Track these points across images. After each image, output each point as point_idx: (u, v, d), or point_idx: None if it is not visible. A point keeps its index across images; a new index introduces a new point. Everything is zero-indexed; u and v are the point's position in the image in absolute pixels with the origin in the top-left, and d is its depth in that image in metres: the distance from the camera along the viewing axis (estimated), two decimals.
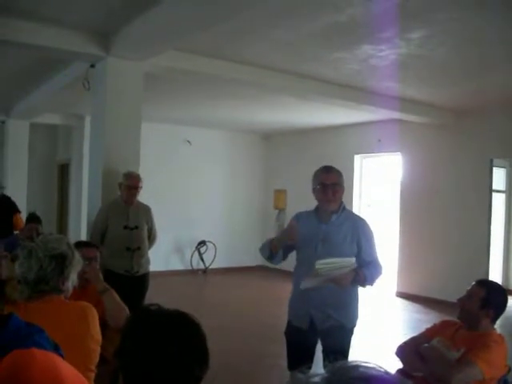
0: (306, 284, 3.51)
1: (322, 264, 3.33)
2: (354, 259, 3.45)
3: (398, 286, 10.21)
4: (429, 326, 3.43)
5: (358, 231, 3.67)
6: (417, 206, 9.94)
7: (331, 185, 3.64)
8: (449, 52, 5.88)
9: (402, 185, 10.29)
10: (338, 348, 3.64)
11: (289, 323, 3.85)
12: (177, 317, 1.51)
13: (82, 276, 2.83)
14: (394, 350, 3.31)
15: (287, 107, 9.36)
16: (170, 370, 1.40)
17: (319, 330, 3.66)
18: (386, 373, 0.71)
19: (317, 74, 7.01)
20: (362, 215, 10.49)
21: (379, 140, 10.43)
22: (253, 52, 6.14)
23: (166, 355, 1.40)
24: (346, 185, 3.79)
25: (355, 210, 10.70)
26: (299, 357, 3.74)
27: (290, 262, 3.95)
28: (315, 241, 3.64)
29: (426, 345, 3.12)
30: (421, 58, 6.05)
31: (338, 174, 3.73)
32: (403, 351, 3.24)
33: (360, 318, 3.84)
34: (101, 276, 3.34)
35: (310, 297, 3.63)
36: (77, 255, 2.66)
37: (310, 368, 3.69)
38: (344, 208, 3.75)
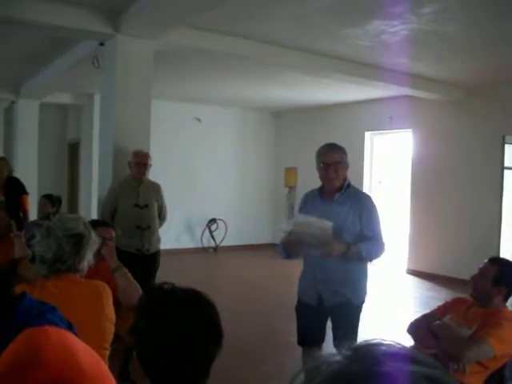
0: (283, 226, 3.62)
1: (300, 221, 3.49)
2: (330, 223, 3.40)
3: (409, 263, 10.21)
4: (440, 303, 3.43)
5: (361, 208, 3.65)
6: (428, 183, 9.89)
7: (333, 163, 3.63)
8: (461, 27, 5.80)
9: (413, 161, 10.22)
10: (347, 324, 3.68)
11: (298, 299, 3.89)
12: (191, 295, 1.51)
13: (97, 254, 2.84)
14: (406, 327, 3.32)
15: (298, 84, 9.30)
16: (184, 347, 1.41)
17: (327, 307, 3.68)
18: (409, 350, 0.70)
19: (327, 50, 6.94)
20: (372, 192, 10.56)
21: (390, 117, 10.35)
22: (263, 29, 6.09)
23: (181, 333, 1.41)
24: (356, 162, 3.79)
25: (365, 187, 10.70)
26: (308, 332, 3.79)
27: None
28: (320, 217, 3.63)
29: (438, 322, 3.12)
30: (432, 33, 5.97)
31: (341, 151, 3.71)
32: (415, 328, 3.25)
33: (370, 295, 3.85)
34: (115, 254, 3.36)
35: (318, 273, 3.67)
36: (93, 235, 2.67)
37: (319, 344, 3.75)
38: (349, 185, 3.73)
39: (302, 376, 0.72)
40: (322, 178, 3.71)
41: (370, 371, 0.66)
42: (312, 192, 3.88)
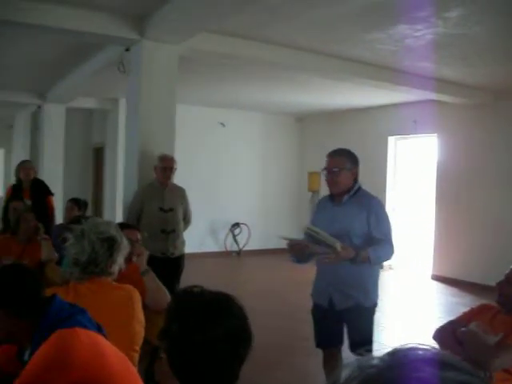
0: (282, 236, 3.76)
1: (309, 229, 3.54)
2: (338, 243, 3.43)
3: (434, 269, 10.11)
4: (465, 309, 3.40)
5: (369, 210, 3.66)
6: (454, 188, 9.79)
7: (330, 170, 3.72)
8: (487, 31, 5.75)
9: (438, 166, 10.13)
10: (361, 328, 3.70)
11: (313, 302, 3.93)
12: (221, 298, 1.53)
13: (127, 258, 2.88)
14: (431, 333, 3.29)
15: (321, 89, 9.29)
16: (214, 350, 1.42)
17: (339, 310, 3.70)
18: (445, 355, 0.70)
19: (351, 54, 6.93)
20: (395, 196, 10.49)
21: (414, 121, 10.27)
22: (286, 33, 6.10)
23: (211, 336, 1.42)
24: (379, 165, 3.82)
25: (388, 191, 10.64)
26: (325, 335, 3.82)
27: None
28: (327, 221, 3.71)
29: (464, 329, 3.09)
30: (458, 37, 5.93)
31: (341, 158, 3.76)
32: (441, 335, 3.22)
33: (395, 300, 3.84)
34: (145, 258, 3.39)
35: (329, 276, 3.71)
36: (124, 240, 2.70)
37: (337, 346, 3.77)
38: (358, 189, 3.76)
39: (339, 380, 0.72)
40: (326, 182, 3.80)
41: (407, 377, 0.67)
42: (324, 197, 3.99)
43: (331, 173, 3.71)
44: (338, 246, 3.43)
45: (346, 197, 3.72)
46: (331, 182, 3.73)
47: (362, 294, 3.70)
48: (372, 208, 3.69)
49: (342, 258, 3.47)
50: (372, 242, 3.61)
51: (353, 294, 3.67)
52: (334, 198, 3.82)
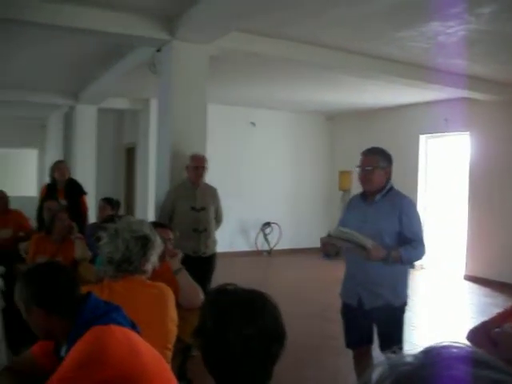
0: (325, 239, 3.66)
1: (340, 231, 3.51)
2: (370, 242, 3.44)
3: (467, 268, 9.98)
4: (498, 310, 3.35)
5: (401, 209, 3.66)
6: (486, 187, 9.64)
7: (364, 168, 3.72)
8: None
9: (470, 164, 9.98)
10: (391, 327, 3.70)
11: (342, 302, 3.92)
12: (255, 296, 1.54)
13: (160, 256, 2.91)
14: (463, 334, 3.26)
15: (351, 87, 9.24)
16: (248, 348, 1.43)
17: (368, 309, 3.69)
18: (480, 353, 0.70)
19: (381, 52, 6.88)
20: (426, 194, 10.38)
21: (446, 119, 10.15)
22: (316, 32, 6.09)
23: (246, 334, 1.43)
24: (411, 164, 3.80)
25: (420, 188, 10.53)
26: (354, 335, 3.82)
27: None
28: (358, 222, 3.70)
29: (498, 329, 3.05)
30: (491, 33, 5.84)
31: (375, 156, 3.75)
32: (474, 335, 3.17)
33: (427, 300, 3.82)
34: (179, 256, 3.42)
35: (358, 275, 3.71)
36: (158, 238, 2.73)
37: (367, 345, 3.76)
38: (391, 188, 3.76)
39: (372, 378, 0.73)
40: (359, 180, 3.79)
41: (440, 375, 0.67)
42: (356, 195, 3.99)
43: (364, 171, 3.71)
44: (370, 244, 3.43)
45: (378, 196, 3.72)
46: (364, 180, 3.73)
47: (392, 293, 3.68)
48: (404, 208, 3.68)
49: (373, 258, 3.47)
50: (403, 242, 3.60)
51: (382, 293, 3.66)
52: (366, 196, 3.82)
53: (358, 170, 3.77)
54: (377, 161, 3.71)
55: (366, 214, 3.71)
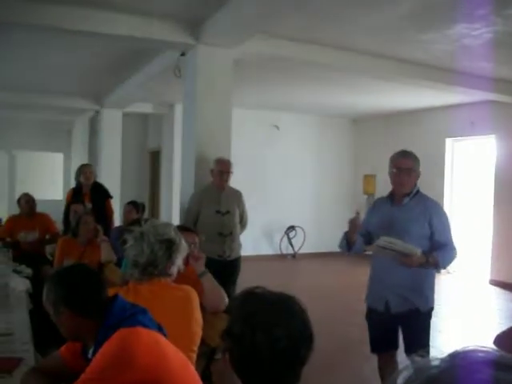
0: (373, 248, 3.62)
1: (384, 240, 3.45)
2: (419, 251, 3.44)
3: (492, 273, 9.85)
4: None
5: (431, 213, 3.66)
6: None
7: (406, 169, 3.67)
8: None
9: (496, 168, 9.86)
10: (418, 332, 3.67)
11: (368, 306, 3.90)
12: (283, 299, 1.54)
13: (184, 259, 2.92)
14: (491, 339, 3.22)
15: (376, 90, 9.20)
16: (277, 351, 1.43)
17: (394, 314, 3.67)
18: (507, 357, 0.70)
19: (406, 55, 6.85)
20: (452, 198, 10.27)
21: (472, 122, 10.04)
22: (340, 35, 6.08)
23: (274, 337, 1.43)
24: (437, 168, 3.78)
25: (446, 191, 10.43)
26: (380, 339, 3.81)
27: None
28: (387, 223, 3.69)
29: None
30: None
31: (414, 159, 3.74)
32: (502, 340, 3.13)
33: (453, 305, 3.80)
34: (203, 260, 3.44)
35: (385, 279, 3.69)
36: (183, 241, 2.74)
37: (393, 350, 3.74)
38: (418, 192, 3.75)
39: (398, 382, 0.73)
40: (393, 182, 3.75)
41: (467, 378, 0.66)
42: (382, 198, 3.98)
43: (403, 173, 3.67)
44: (419, 252, 3.43)
45: (406, 198, 3.71)
46: (402, 182, 3.69)
47: (419, 298, 3.67)
48: (434, 212, 3.69)
49: (415, 264, 3.47)
50: (435, 246, 3.60)
51: (410, 297, 3.64)
52: (393, 199, 3.80)
53: (394, 171, 3.71)
54: (413, 163, 3.71)
55: (394, 216, 3.69)
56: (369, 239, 3.86)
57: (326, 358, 5.35)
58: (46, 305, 2.08)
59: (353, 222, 3.71)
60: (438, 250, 3.56)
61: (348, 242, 3.80)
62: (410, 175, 3.66)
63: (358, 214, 3.75)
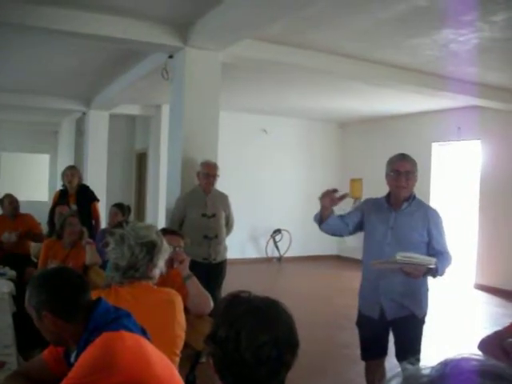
0: (376, 264, 3.52)
1: (402, 256, 3.33)
2: (433, 260, 3.41)
3: (477, 277, 9.91)
4: (511, 319, 3.31)
5: (429, 220, 3.63)
6: (498, 195, 9.58)
7: (405, 172, 3.60)
8: None
9: (482, 172, 9.94)
10: (411, 338, 3.65)
11: (359, 313, 3.86)
12: (269, 304, 1.52)
13: (168, 262, 2.90)
14: (475, 344, 3.22)
15: (364, 95, 9.24)
16: (261, 356, 1.42)
17: (389, 320, 3.65)
18: (498, 366, 0.69)
19: (394, 60, 6.87)
20: (438, 202, 10.32)
21: (458, 127, 10.10)
22: (328, 40, 6.09)
23: (259, 342, 1.42)
24: (423, 172, 3.73)
25: (433, 196, 10.48)
26: (372, 347, 3.77)
27: None
28: (385, 228, 3.64)
29: (511, 340, 3.01)
30: (504, 41, 5.82)
31: (413, 162, 3.68)
32: (486, 345, 3.14)
33: (438, 310, 3.79)
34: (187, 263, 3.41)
35: (380, 285, 3.64)
36: (165, 243, 2.72)
37: (382, 357, 3.72)
38: (415, 197, 3.71)
39: None
40: (391, 185, 3.67)
41: None
42: (377, 199, 3.86)
43: (404, 175, 3.60)
44: (434, 262, 3.41)
45: (405, 204, 3.65)
46: (402, 185, 3.60)
47: (414, 304, 3.65)
48: (432, 219, 3.65)
49: (420, 274, 3.45)
50: (433, 254, 3.57)
51: (405, 304, 3.61)
52: (390, 202, 3.72)
53: (392, 174, 3.63)
54: (412, 166, 3.65)
55: (393, 220, 3.63)
56: (356, 229, 3.85)
57: (311, 362, 5.34)
58: (28, 308, 2.05)
59: (327, 194, 3.66)
60: (437, 258, 3.51)
61: (321, 216, 3.75)
62: (408, 178, 3.59)
63: (336, 189, 3.69)
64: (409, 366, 0.72)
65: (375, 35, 5.88)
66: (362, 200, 4.38)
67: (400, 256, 3.32)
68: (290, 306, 1.57)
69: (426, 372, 0.70)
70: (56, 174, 13.10)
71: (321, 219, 3.80)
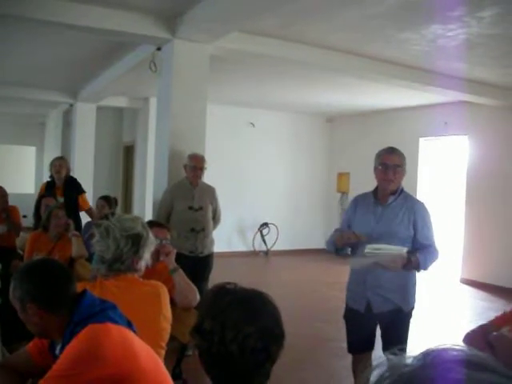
0: (353, 264, 3.58)
1: (371, 248, 3.38)
2: (404, 249, 3.42)
3: (463, 272, 9.98)
4: (496, 314, 3.33)
5: (415, 213, 3.62)
6: (484, 190, 9.65)
7: (393, 166, 3.59)
8: None
9: (468, 168, 10.00)
10: (398, 332, 3.66)
11: (347, 306, 3.86)
12: (254, 295, 1.52)
13: (154, 255, 2.88)
14: (460, 337, 3.24)
15: (352, 89, 9.25)
16: (246, 348, 1.42)
17: (376, 314, 3.65)
18: (481, 356, 0.69)
19: (382, 54, 6.88)
20: (425, 197, 10.37)
21: (445, 123, 10.16)
22: (317, 33, 6.08)
23: (244, 333, 1.42)
24: (410, 167, 3.73)
25: (420, 193, 10.53)
26: (358, 340, 3.78)
27: None
28: (371, 222, 3.64)
29: (496, 333, 3.03)
30: (492, 37, 5.84)
31: (401, 156, 3.68)
32: (471, 339, 3.15)
33: (424, 304, 3.80)
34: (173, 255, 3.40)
35: (367, 280, 3.63)
36: (151, 235, 2.71)
37: (369, 350, 3.73)
38: (402, 191, 3.70)
39: (371, 379, 0.72)
40: (379, 178, 3.66)
41: (440, 377, 0.66)
42: (364, 195, 3.85)
43: (392, 168, 3.58)
44: (404, 250, 3.41)
45: (391, 197, 3.64)
46: (390, 179, 3.59)
47: (401, 298, 3.65)
48: (418, 212, 3.64)
49: (399, 266, 3.44)
50: (417, 247, 3.57)
51: (392, 298, 3.62)
52: (377, 196, 3.71)
53: (379, 167, 3.62)
54: (400, 160, 3.65)
55: (379, 215, 3.63)
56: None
57: (297, 355, 5.36)
58: (12, 301, 2.03)
59: (345, 236, 3.62)
60: (420, 251, 3.52)
61: (336, 246, 3.74)
62: (396, 172, 3.58)
63: (357, 235, 3.59)
64: (392, 357, 0.73)
65: (364, 29, 5.88)
66: (349, 197, 4.38)
67: (369, 249, 3.37)
68: (276, 299, 1.57)
69: (408, 362, 0.70)
70: (42, 166, 13.01)
71: (337, 248, 3.77)
